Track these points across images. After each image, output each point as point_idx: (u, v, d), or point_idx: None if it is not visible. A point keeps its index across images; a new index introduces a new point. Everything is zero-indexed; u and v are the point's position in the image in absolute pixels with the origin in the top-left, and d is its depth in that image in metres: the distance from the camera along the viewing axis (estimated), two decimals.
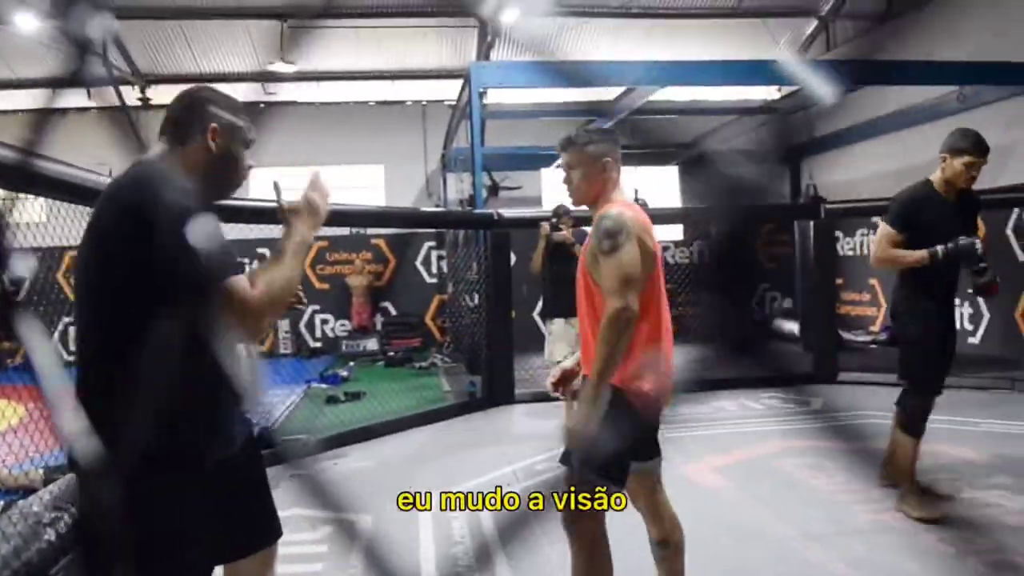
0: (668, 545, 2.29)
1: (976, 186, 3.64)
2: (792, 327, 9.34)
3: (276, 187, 1.73)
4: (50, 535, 2.88)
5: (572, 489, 2.15)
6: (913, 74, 7.09)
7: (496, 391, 6.47)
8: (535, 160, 10.40)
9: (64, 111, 10.68)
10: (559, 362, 5.85)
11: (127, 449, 1.43)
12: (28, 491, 3.52)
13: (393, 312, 10.60)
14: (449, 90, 10.43)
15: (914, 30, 8.51)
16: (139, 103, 10.48)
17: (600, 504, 2.14)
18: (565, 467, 2.19)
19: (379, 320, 10.45)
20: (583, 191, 2.30)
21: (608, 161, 2.26)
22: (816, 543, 3.21)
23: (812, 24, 10.79)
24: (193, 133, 1.63)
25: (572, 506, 2.15)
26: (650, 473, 2.28)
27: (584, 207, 2.38)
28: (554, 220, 5.54)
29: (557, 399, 6.03)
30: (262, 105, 10.24)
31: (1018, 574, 2.90)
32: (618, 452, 2.11)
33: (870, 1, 9.27)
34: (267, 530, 1.82)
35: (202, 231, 1.40)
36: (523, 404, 6.44)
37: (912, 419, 3.48)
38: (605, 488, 2.13)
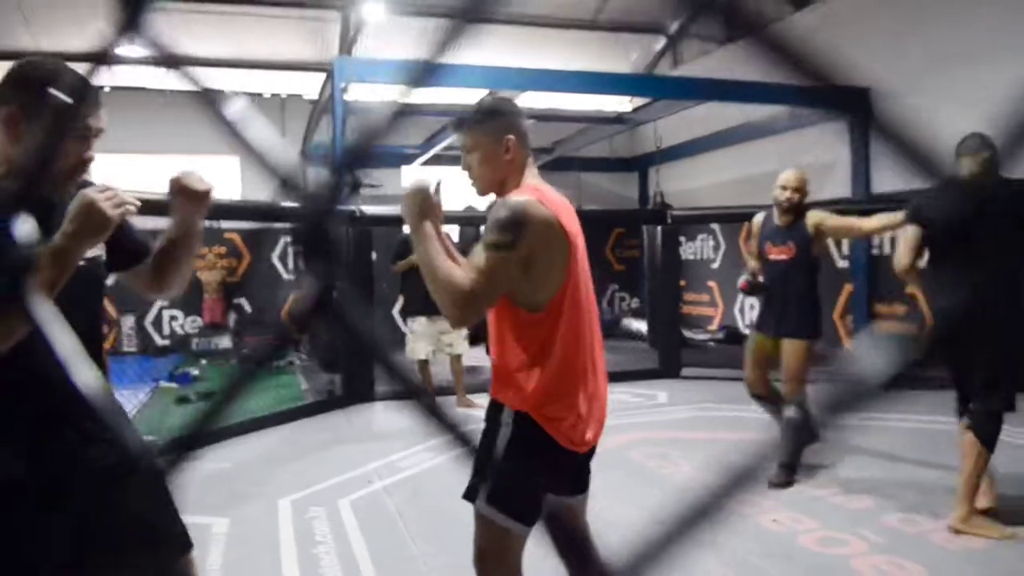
0: None
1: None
2: (640, 326, 9.89)
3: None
4: None
5: (478, 527, 1.87)
6: (749, 93, 7.66)
7: (355, 388, 6.44)
8: (396, 159, 10.39)
9: None
10: (421, 360, 5.95)
11: None
12: None
13: (248, 309, 10.24)
14: (309, 84, 10.21)
15: (751, 53, 9.20)
16: None
17: (509, 544, 1.84)
18: (470, 502, 1.86)
19: (232, 317, 10.06)
20: (485, 179, 1.93)
21: (511, 140, 1.89)
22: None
23: (661, 41, 11.45)
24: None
25: (479, 547, 1.87)
26: (571, 509, 2.03)
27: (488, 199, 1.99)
28: None
29: (417, 396, 6.10)
30: (107, 89, 9.56)
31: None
32: (524, 485, 1.87)
33: (713, 25, 9.95)
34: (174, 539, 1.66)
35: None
36: (383, 401, 6.45)
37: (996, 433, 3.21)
38: (511, 527, 1.81)
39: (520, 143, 1.92)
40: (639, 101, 9.96)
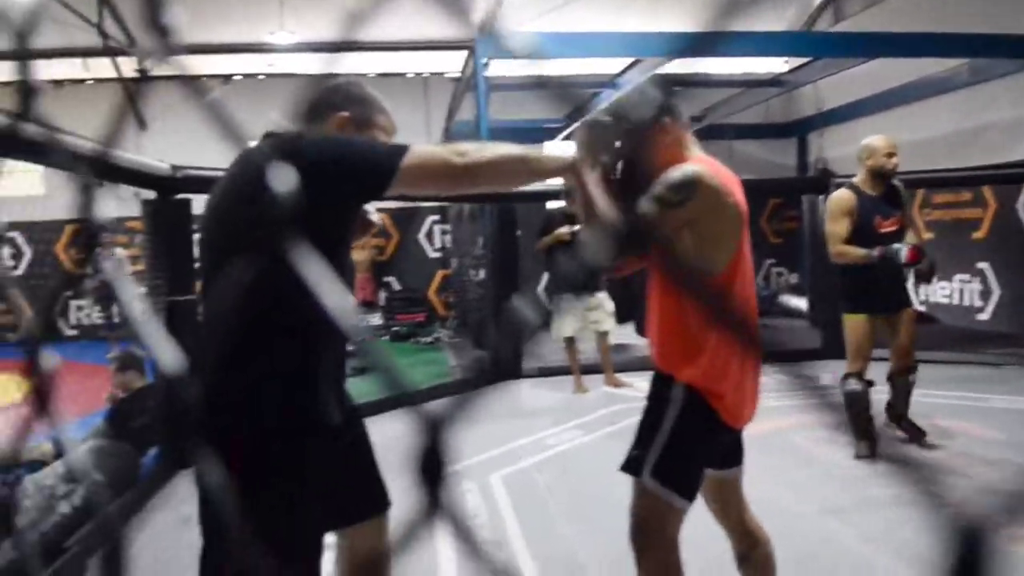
0: (749, 560, 2.03)
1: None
2: (799, 303, 9.32)
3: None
4: (64, 508, 2.86)
5: (638, 500, 1.87)
6: (923, 46, 6.97)
7: (503, 366, 6.44)
8: (540, 134, 10.30)
9: (59, 83, 10.55)
10: (568, 337, 5.86)
11: (240, 416, 1.42)
12: (38, 464, 3.49)
13: (397, 287, 10.56)
14: (451, 63, 10.29)
15: (924, 1, 8.38)
16: (136, 75, 10.33)
17: (670, 518, 1.84)
18: (630, 475, 1.87)
19: (383, 295, 10.40)
20: (650, 167, 1.87)
21: (667, 121, 1.87)
22: (833, 518, 3.19)
23: None
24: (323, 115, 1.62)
25: (639, 519, 1.86)
26: (727, 482, 2.02)
27: None
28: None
29: (565, 373, 6.03)
30: (261, 77, 10.09)
31: None
32: (689, 460, 1.85)
33: None
34: (377, 498, 1.81)
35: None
36: (530, 379, 6.43)
37: None
38: (673, 501, 1.82)
39: (675, 120, 1.90)
40: (797, 62, 9.33)
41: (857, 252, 3.82)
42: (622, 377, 5.92)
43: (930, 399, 5.17)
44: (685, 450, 1.83)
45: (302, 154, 1.39)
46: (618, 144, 1.81)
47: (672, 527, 1.85)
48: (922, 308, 8.77)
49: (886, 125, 9.32)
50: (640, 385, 5.68)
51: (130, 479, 3.50)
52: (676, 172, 1.76)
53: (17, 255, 10.15)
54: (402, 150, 1.44)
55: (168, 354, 0.65)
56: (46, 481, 2.95)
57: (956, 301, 8.40)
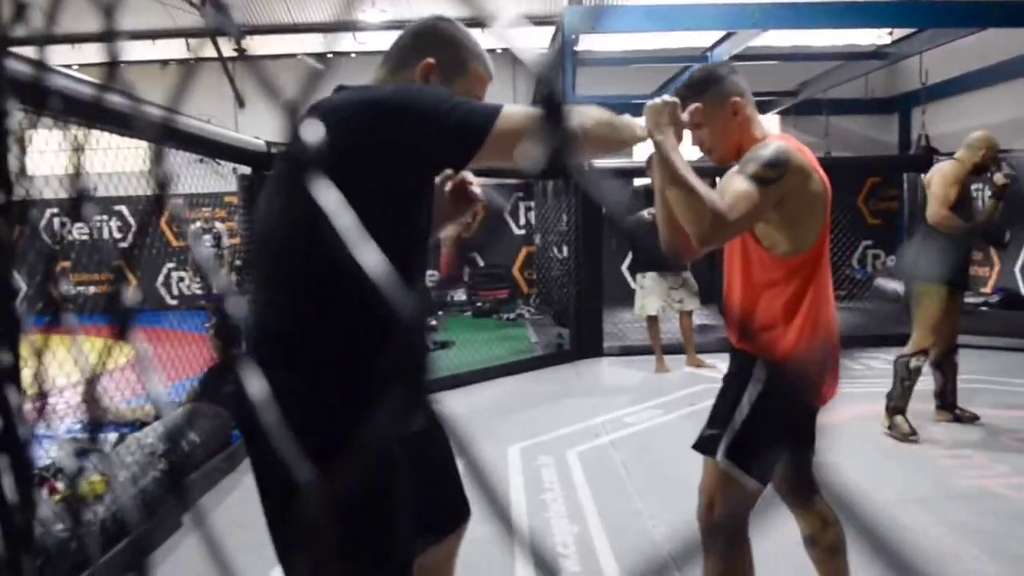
0: (816, 543, 1.97)
1: None
2: (897, 287, 8.91)
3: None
4: (163, 465, 3.04)
5: (710, 479, 1.84)
6: None
7: (584, 343, 6.44)
8: (626, 109, 10.08)
9: (165, 62, 11.03)
10: (651, 316, 5.81)
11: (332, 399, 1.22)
12: (141, 424, 3.72)
13: (481, 263, 10.66)
14: (540, 37, 10.23)
15: None
16: (235, 54, 10.71)
17: (742, 500, 1.80)
18: (706, 454, 1.85)
19: (467, 271, 10.53)
20: (721, 148, 1.87)
21: (737, 101, 1.83)
22: (917, 507, 3.08)
23: None
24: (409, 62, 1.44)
25: (710, 499, 1.84)
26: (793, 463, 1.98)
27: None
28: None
29: (647, 353, 5.98)
30: (353, 55, 10.28)
31: None
32: (767, 442, 1.80)
33: None
34: (460, 508, 1.67)
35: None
36: (611, 357, 6.40)
37: None
38: (747, 483, 1.78)
39: (745, 100, 1.86)
40: (901, 33, 8.85)
41: (961, 226, 3.88)
42: (704, 358, 5.83)
43: None
44: (763, 432, 1.78)
45: (372, 104, 1.28)
46: (686, 122, 1.79)
47: (744, 509, 1.82)
48: None
49: (994, 100, 8.78)
50: (722, 367, 5.60)
51: (224, 440, 3.69)
52: (766, 150, 1.73)
53: (124, 228, 10.75)
54: (495, 111, 1.24)
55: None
56: (147, 440, 3.13)
57: None
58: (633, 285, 6.74)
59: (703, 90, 1.84)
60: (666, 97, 1.73)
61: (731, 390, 1.84)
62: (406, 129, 1.23)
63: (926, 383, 4.11)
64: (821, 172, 1.79)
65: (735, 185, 1.69)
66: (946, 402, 4.18)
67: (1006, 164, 4.08)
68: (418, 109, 1.24)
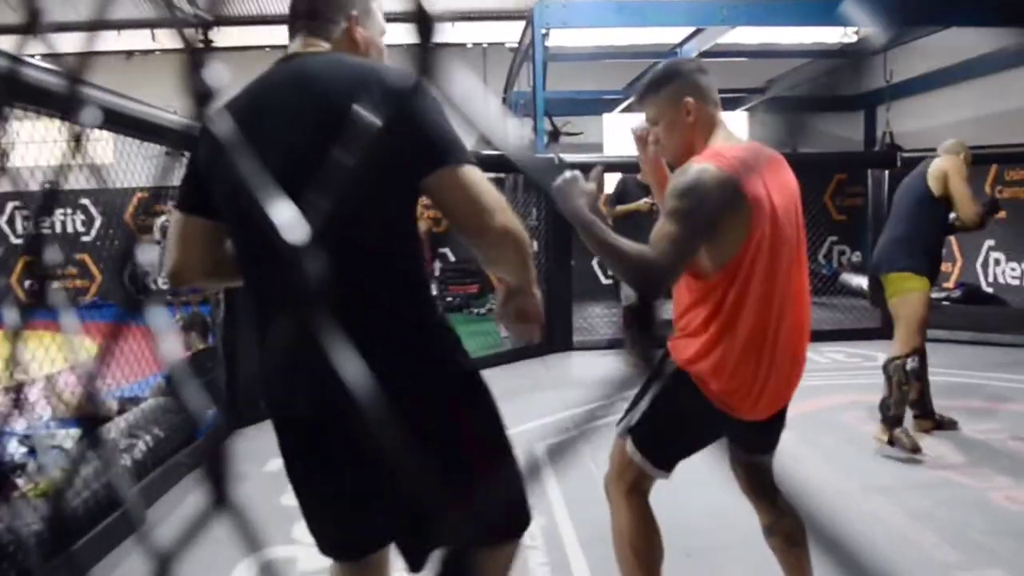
0: (774, 531, 2.00)
1: None
2: (861, 282, 9.05)
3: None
4: (125, 460, 3.00)
5: (617, 455, 1.96)
6: (997, 15, 6.63)
7: (554, 337, 6.46)
8: (597, 105, 10.19)
9: (129, 53, 10.85)
10: (628, 307, 5.85)
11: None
12: (104, 420, 3.67)
13: (451, 258, 10.63)
14: (510, 32, 10.22)
15: None
16: (201, 45, 10.56)
17: (641, 481, 1.92)
18: (620, 435, 1.95)
19: (437, 266, 10.49)
20: (672, 147, 1.87)
21: (689, 102, 1.81)
22: (878, 495, 3.15)
23: None
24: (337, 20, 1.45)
25: (613, 473, 1.97)
26: (754, 467, 2.00)
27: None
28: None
29: (617, 347, 6.01)
30: None
31: None
32: (664, 434, 1.89)
33: None
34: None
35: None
36: (581, 351, 6.43)
37: None
38: (647, 469, 1.88)
39: (701, 102, 1.82)
40: (866, 32, 8.98)
41: (981, 212, 3.77)
42: None
43: (998, 382, 5.03)
44: (660, 424, 1.88)
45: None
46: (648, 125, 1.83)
47: (641, 486, 1.93)
48: (990, 289, 8.45)
49: (958, 98, 8.95)
50: None
51: (189, 436, 3.65)
52: (682, 177, 1.73)
53: (88, 222, 10.56)
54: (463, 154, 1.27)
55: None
56: (109, 435, 3.09)
57: None
58: (604, 280, 6.79)
59: (660, 87, 1.86)
60: (567, 173, 1.75)
61: (650, 377, 1.94)
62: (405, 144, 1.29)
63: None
64: (755, 183, 1.72)
65: (658, 228, 1.71)
66: (926, 410, 3.96)
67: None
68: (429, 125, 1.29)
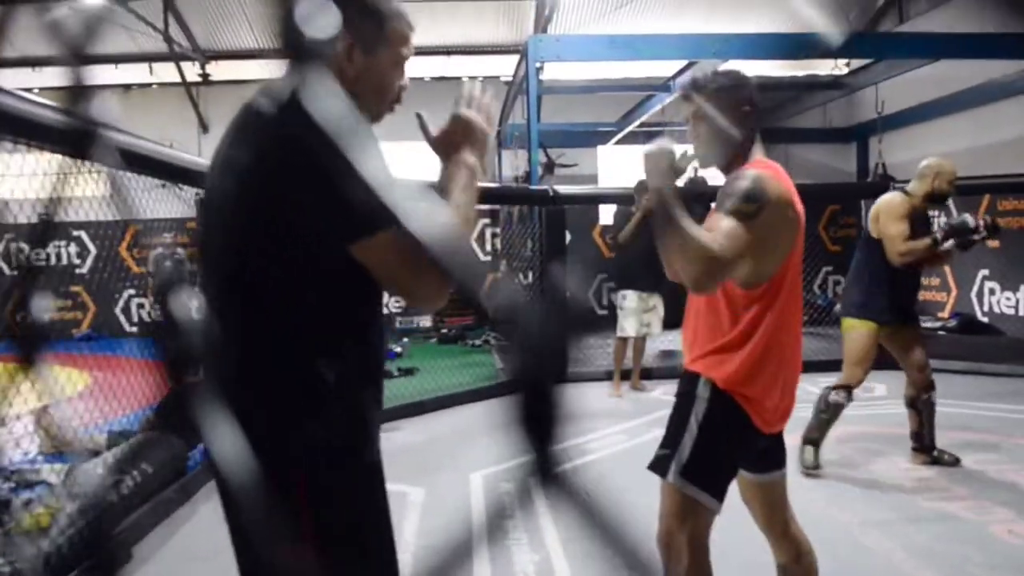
0: (790, 571, 1.98)
1: None
2: None
3: (420, 118, 1.42)
4: (113, 496, 2.95)
5: (667, 500, 1.83)
6: (987, 48, 6.72)
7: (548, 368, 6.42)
8: (591, 137, 10.26)
9: (127, 87, 10.92)
10: (624, 337, 5.82)
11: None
12: (93, 454, 3.62)
13: None
14: (505, 66, 10.32)
15: (991, 1, 8.08)
16: (199, 79, 10.65)
17: (698, 519, 1.80)
18: (658, 474, 1.83)
19: None
20: (715, 150, 1.84)
21: (747, 111, 1.81)
22: (876, 530, 3.10)
23: None
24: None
25: (668, 520, 1.82)
26: (768, 486, 1.95)
27: (716, 171, 1.91)
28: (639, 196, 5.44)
29: (611, 379, 5.98)
30: None
31: None
32: (717, 458, 1.81)
33: None
34: None
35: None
36: (575, 383, 6.39)
37: None
38: (701, 499, 1.78)
39: (755, 117, 1.84)
40: (858, 64, 9.10)
41: (922, 243, 3.64)
42: (661, 384, 6.06)
43: (995, 412, 5.00)
44: (713, 448, 1.79)
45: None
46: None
47: (701, 529, 1.81)
48: (985, 319, 8.45)
49: (950, 129, 9.03)
50: (658, 392, 5.70)
51: (178, 470, 3.59)
52: (744, 181, 1.72)
53: (82, 253, 10.54)
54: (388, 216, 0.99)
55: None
56: (97, 470, 3.04)
57: (1022, 312, 8.06)
58: (599, 311, 6.78)
59: (725, 86, 1.83)
60: (663, 143, 1.74)
61: (680, 409, 1.85)
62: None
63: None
64: (797, 200, 1.78)
65: (722, 225, 1.67)
66: (922, 444, 3.93)
67: (987, 217, 3.85)
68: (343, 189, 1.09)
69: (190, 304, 1.17)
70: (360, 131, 0.96)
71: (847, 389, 3.81)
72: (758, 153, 1.85)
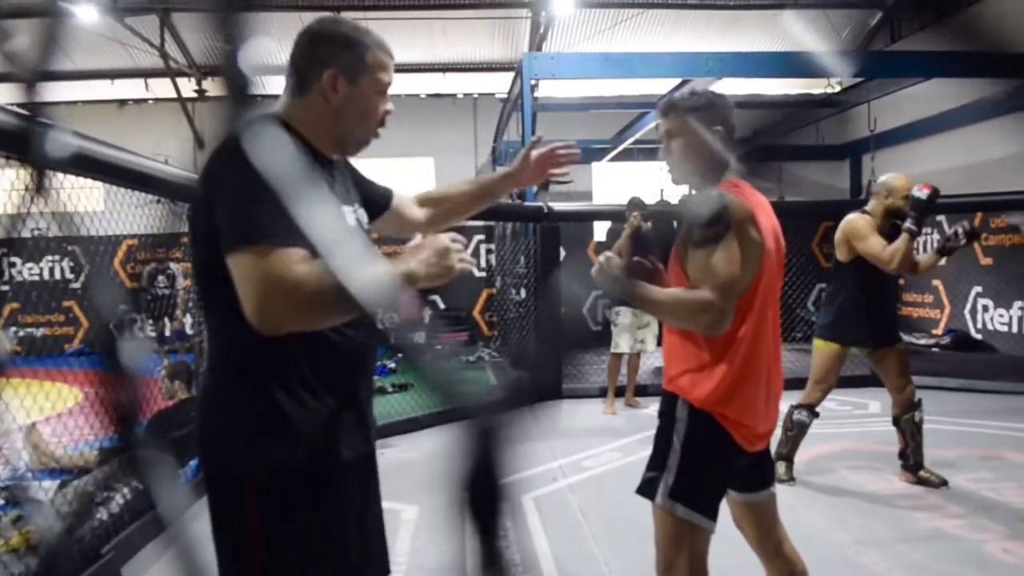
0: None
1: None
2: None
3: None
4: (102, 514, 2.92)
5: (660, 524, 1.82)
6: (978, 67, 6.77)
7: (543, 386, 6.41)
8: (586, 154, 10.28)
9: (123, 102, 10.94)
10: (619, 353, 5.82)
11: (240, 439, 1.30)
12: (83, 471, 3.59)
13: (442, 306, 10.61)
14: (500, 83, 10.38)
15: (985, 21, 8.16)
16: (195, 95, 10.67)
17: (694, 540, 1.79)
18: (647, 498, 1.83)
19: (427, 313, 10.46)
20: (686, 168, 1.86)
21: (720, 131, 1.83)
22: (872, 550, 3.08)
23: (877, 16, 10.46)
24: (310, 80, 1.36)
25: (664, 545, 1.81)
26: (757, 505, 1.95)
27: (685, 188, 1.95)
28: (630, 214, 5.46)
29: (602, 395, 5.97)
30: None
31: None
32: (704, 477, 1.80)
33: None
34: (384, 559, 1.56)
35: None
36: (570, 399, 6.38)
37: None
38: (694, 520, 1.77)
39: (727, 137, 1.85)
40: (851, 82, 9.16)
41: (901, 240, 3.53)
42: (639, 399, 6.11)
43: (989, 430, 4.99)
44: (698, 467, 1.79)
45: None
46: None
47: (698, 551, 1.79)
48: (979, 336, 8.47)
49: (942, 147, 9.10)
50: (652, 408, 5.65)
51: (169, 488, 3.56)
52: (703, 206, 1.74)
53: (76, 269, 10.51)
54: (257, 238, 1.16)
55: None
56: (87, 487, 3.01)
57: (1016, 329, 8.09)
58: (594, 327, 6.78)
59: (698, 106, 1.85)
60: (602, 256, 1.81)
61: (663, 430, 1.85)
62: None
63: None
64: (764, 219, 1.78)
65: (699, 263, 1.72)
66: (908, 463, 3.92)
67: (965, 223, 3.83)
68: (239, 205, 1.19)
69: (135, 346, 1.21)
70: (287, 174, 0.94)
71: (808, 408, 3.91)
72: (732, 173, 1.86)
